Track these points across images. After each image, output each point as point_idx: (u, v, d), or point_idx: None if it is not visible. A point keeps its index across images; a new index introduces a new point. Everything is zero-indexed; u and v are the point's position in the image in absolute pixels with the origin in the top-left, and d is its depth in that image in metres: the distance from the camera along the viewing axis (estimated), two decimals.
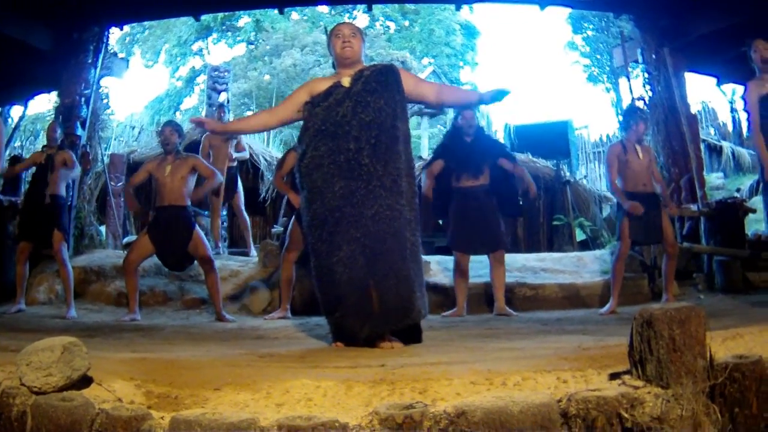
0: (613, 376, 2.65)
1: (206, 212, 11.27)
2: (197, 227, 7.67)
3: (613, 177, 7.66)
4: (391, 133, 4.71)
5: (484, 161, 7.79)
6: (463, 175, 7.78)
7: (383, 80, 4.85)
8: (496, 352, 3.79)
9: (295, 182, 7.81)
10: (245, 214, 11.12)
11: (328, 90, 4.87)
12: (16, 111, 13.10)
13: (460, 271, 7.80)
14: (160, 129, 8.08)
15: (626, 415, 2.28)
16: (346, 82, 4.87)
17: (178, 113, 33.23)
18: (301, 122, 5.11)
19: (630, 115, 7.74)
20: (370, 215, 4.50)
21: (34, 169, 8.52)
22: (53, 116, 10.44)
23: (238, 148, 10.98)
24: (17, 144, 16.55)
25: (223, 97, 14.09)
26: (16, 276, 8.15)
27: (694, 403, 2.32)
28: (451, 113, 15.86)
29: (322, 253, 4.62)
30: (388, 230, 4.51)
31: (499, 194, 7.91)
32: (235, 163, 10.96)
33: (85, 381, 2.67)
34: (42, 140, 18.27)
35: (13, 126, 13.12)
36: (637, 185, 7.52)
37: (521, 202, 8.53)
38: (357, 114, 4.70)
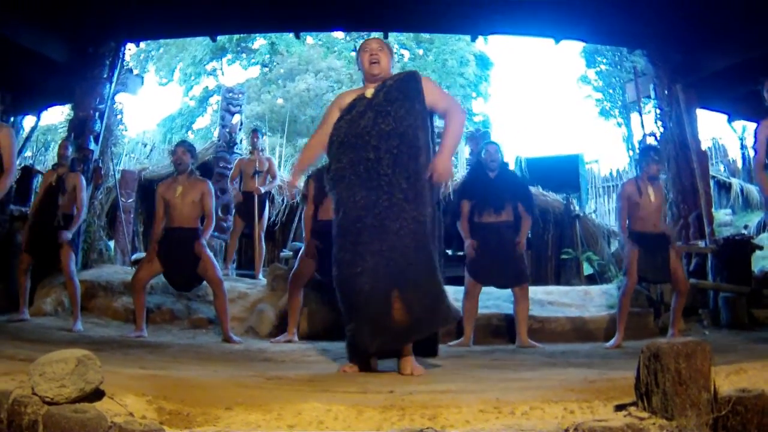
0: (619, 408, 2.67)
1: (215, 233, 11.30)
2: (206, 248, 7.69)
3: (623, 217, 7.76)
4: (412, 143, 4.74)
5: (507, 198, 7.79)
6: (485, 211, 7.79)
7: (404, 89, 4.88)
8: (504, 382, 3.80)
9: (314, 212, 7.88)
10: (264, 241, 11.15)
11: (352, 103, 4.93)
12: (28, 121, 13.13)
13: (470, 300, 7.78)
14: (172, 149, 8.05)
15: None
16: (369, 93, 4.91)
17: (190, 132, 33.28)
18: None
19: (644, 155, 7.78)
20: (395, 229, 4.52)
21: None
22: (66, 129, 10.49)
23: (270, 172, 10.97)
24: (28, 154, 16.61)
25: (236, 119, 14.07)
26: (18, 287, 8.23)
27: None
28: (463, 144, 15.87)
29: (344, 264, 4.64)
30: (412, 244, 4.54)
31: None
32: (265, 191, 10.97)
33: (97, 394, 2.69)
34: (53, 151, 18.37)
35: (25, 136, 13.16)
36: (646, 225, 7.57)
37: (528, 235, 8.50)
38: (377, 124, 4.73)
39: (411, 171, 4.67)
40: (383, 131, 4.70)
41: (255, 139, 11.09)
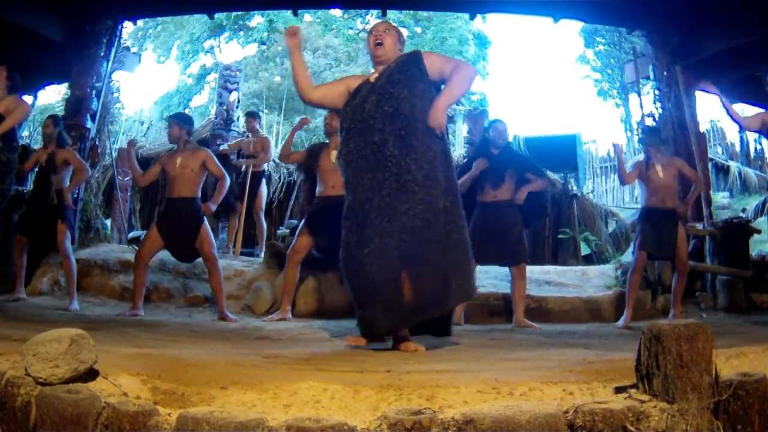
0: (619, 390, 2.65)
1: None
2: (206, 222, 7.67)
3: (631, 174, 8.04)
4: (418, 123, 4.71)
5: (506, 173, 7.74)
6: (485, 187, 7.76)
7: (405, 69, 4.87)
8: (501, 362, 3.78)
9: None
10: (263, 219, 11.13)
11: (357, 88, 4.94)
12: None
13: None
14: (167, 122, 8.06)
15: (632, 429, 2.28)
16: (373, 78, 4.93)
17: (187, 110, 33.17)
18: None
19: (640, 137, 7.93)
20: (405, 210, 4.52)
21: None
22: (63, 107, 10.45)
23: (264, 150, 10.94)
24: (25, 134, 16.55)
25: (233, 97, 14.03)
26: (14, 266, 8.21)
27: (699, 419, 2.33)
28: (461, 122, 15.87)
29: (351, 245, 4.65)
30: (422, 224, 4.53)
31: (529, 204, 7.90)
32: (260, 169, 10.94)
33: (91, 374, 2.67)
34: None
35: None
36: (657, 201, 7.73)
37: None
38: (380, 107, 4.74)
39: (419, 151, 4.66)
40: (387, 113, 4.71)
41: (252, 124, 11.07)
